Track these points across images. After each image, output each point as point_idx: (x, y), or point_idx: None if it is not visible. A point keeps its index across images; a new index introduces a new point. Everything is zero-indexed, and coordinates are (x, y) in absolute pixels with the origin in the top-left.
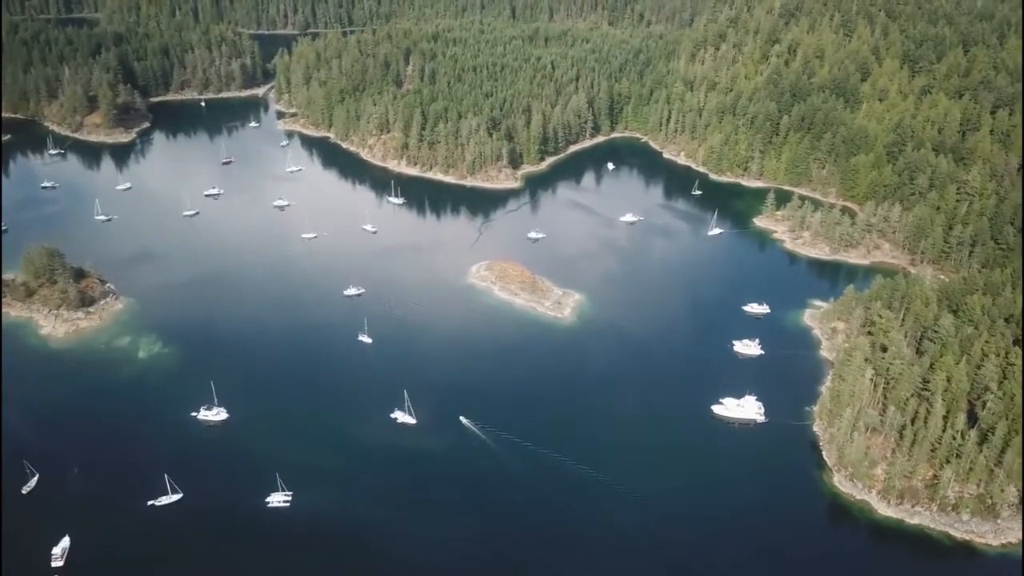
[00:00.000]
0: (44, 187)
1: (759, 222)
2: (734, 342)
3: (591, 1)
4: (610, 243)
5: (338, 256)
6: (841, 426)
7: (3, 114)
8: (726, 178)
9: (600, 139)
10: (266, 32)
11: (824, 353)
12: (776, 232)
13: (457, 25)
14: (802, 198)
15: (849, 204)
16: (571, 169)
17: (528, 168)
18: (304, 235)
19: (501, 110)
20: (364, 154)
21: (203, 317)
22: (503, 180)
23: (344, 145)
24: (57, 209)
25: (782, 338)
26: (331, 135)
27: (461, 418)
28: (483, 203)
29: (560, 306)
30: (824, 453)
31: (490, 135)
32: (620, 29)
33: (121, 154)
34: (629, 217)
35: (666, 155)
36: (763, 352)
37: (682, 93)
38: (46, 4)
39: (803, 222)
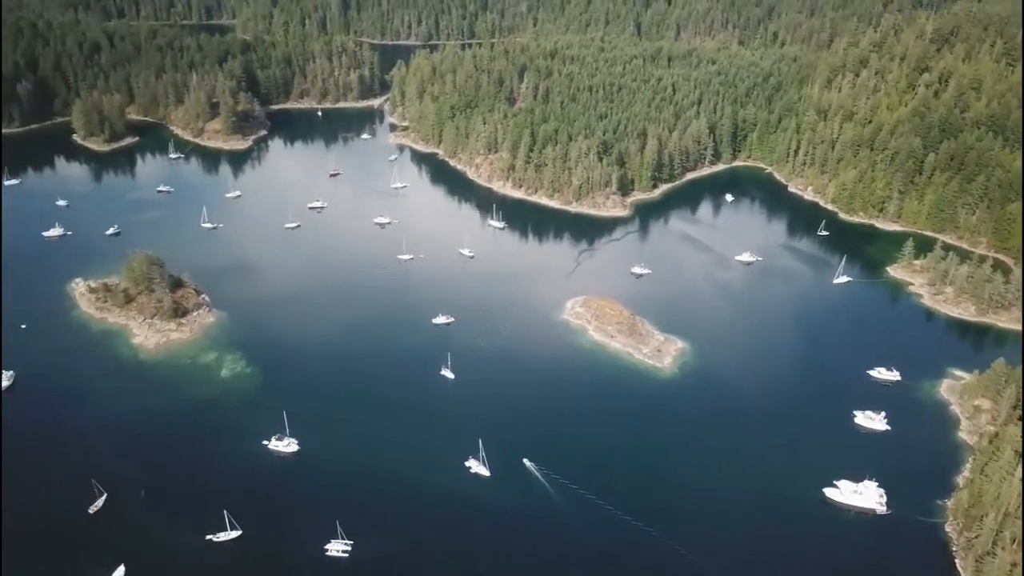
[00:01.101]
0: (160, 191)
1: (894, 272)
2: (856, 413)
3: (721, 18)
4: (722, 285)
5: (432, 281)
6: (981, 533)
7: (135, 117)
8: (858, 219)
9: (720, 167)
10: (390, 43)
11: (964, 436)
12: (913, 285)
13: (577, 42)
14: (946, 247)
15: (1003, 258)
16: (686, 198)
17: (639, 195)
18: (401, 256)
19: (614, 133)
20: (470, 173)
21: (288, 336)
22: (610, 207)
23: (451, 163)
24: (167, 214)
25: (913, 412)
26: (440, 151)
27: (525, 461)
28: (587, 231)
29: (660, 354)
30: (957, 562)
31: (600, 159)
32: (750, 49)
33: (236, 161)
34: (746, 256)
35: (792, 189)
36: (889, 428)
37: (814, 122)
38: (188, 10)
39: (946, 275)
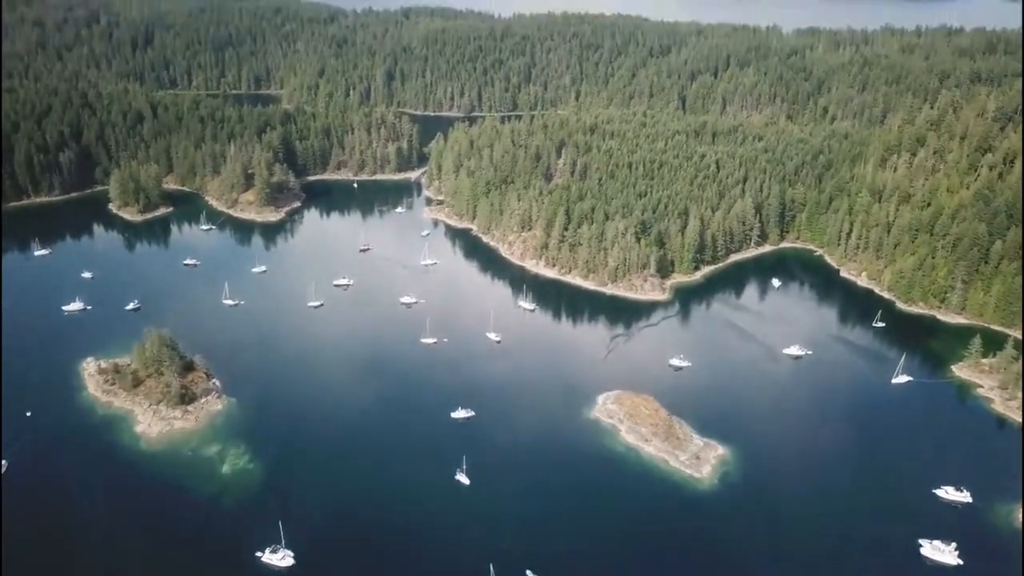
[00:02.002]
0: (186, 264)
1: (959, 371)
2: (922, 543)
3: (769, 92)
4: (769, 381)
5: (455, 368)
6: None
7: (172, 186)
8: (918, 309)
9: (766, 249)
10: (432, 114)
11: None
12: (982, 387)
13: (618, 116)
14: (1018, 345)
15: None
16: (729, 282)
17: (679, 278)
18: (424, 339)
19: (654, 212)
20: (503, 250)
21: (297, 427)
22: (648, 290)
23: (485, 239)
24: (190, 288)
25: (988, 544)
26: (473, 227)
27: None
28: (623, 315)
29: (699, 461)
30: None
31: (638, 239)
32: (799, 125)
33: (268, 233)
34: (794, 350)
35: (844, 274)
36: (961, 562)
37: (868, 204)
38: (238, 80)
39: (1019, 378)
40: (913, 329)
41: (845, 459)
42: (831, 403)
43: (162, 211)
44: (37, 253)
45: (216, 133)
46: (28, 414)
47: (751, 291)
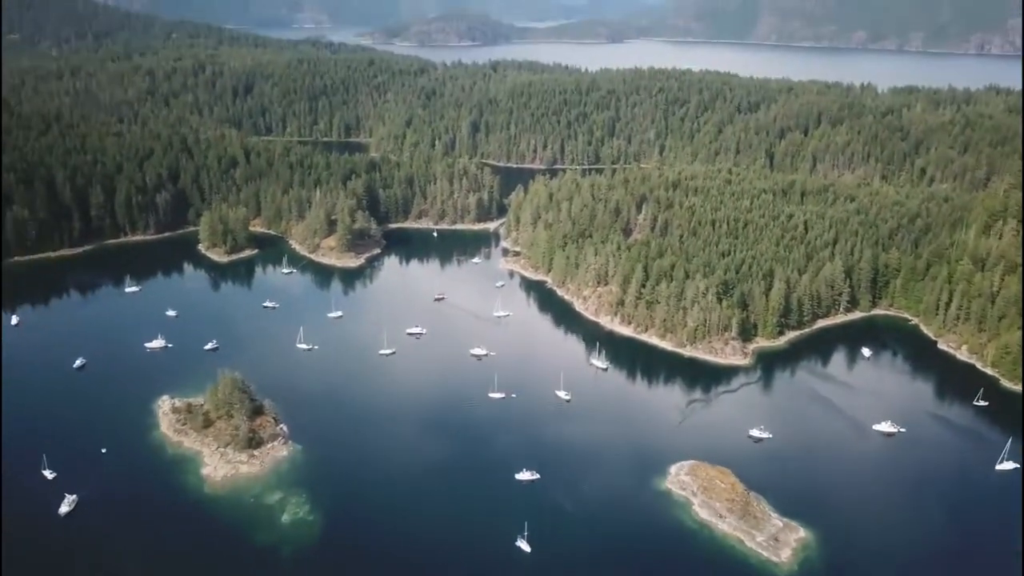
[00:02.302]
0: (265, 306)
1: None
2: None
3: (863, 151)
4: (857, 459)
5: (522, 426)
6: None
7: (259, 229)
8: None
9: (857, 315)
10: (515, 166)
11: None
12: None
13: (702, 173)
14: None
15: None
16: (816, 349)
17: (762, 343)
18: (492, 394)
19: (737, 272)
20: (578, 305)
21: (359, 479)
22: (729, 354)
23: (559, 292)
24: (267, 331)
25: None
26: (548, 280)
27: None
28: (700, 378)
29: (777, 544)
30: None
31: (719, 301)
32: (894, 186)
33: (346, 279)
34: (886, 426)
35: (942, 346)
36: None
37: (970, 272)
38: (330, 128)
39: None
40: (1020, 410)
41: (940, 552)
42: (926, 488)
43: (247, 253)
44: (128, 289)
45: (304, 179)
46: (103, 451)
47: (839, 360)
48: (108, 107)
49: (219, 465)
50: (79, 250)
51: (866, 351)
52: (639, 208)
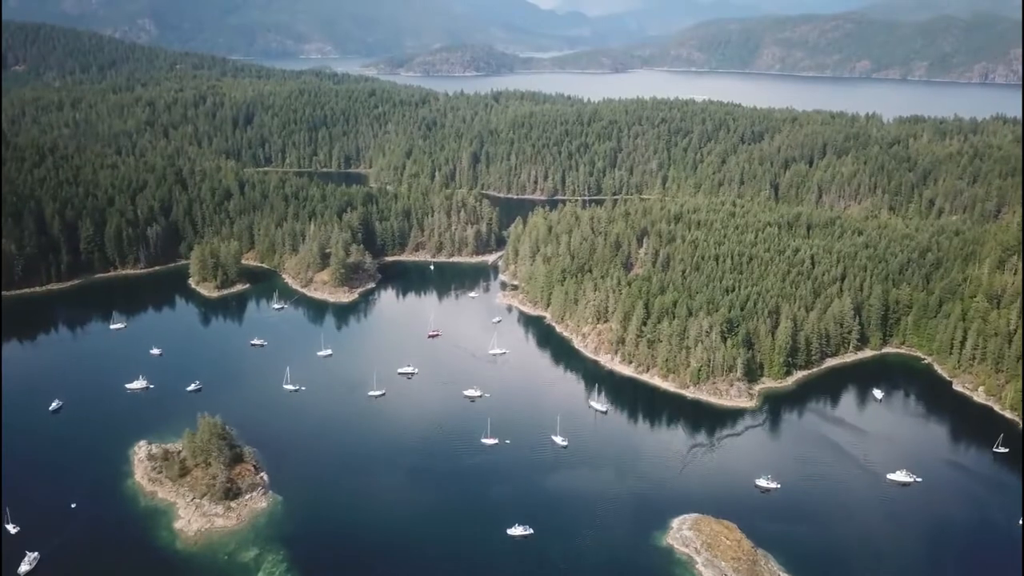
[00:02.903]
0: (253, 344)
1: None
2: None
3: (869, 183)
4: (871, 512)
5: (515, 475)
6: None
7: (252, 263)
8: None
9: (867, 354)
10: (515, 196)
11: None
12: None
13: (705, 205)
14: None
15: None
16: (824, 390)
17: (768, 383)
18: (485, 440)
19: (742, 310)
20: (576, 342)
21: (341, 535)
22: (733, 396)
23: (558, 329)
24: (254, 370)
25: None
26: (547, 315)
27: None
28: (704, 422)
29: None
30: None
31: (724, 340)
32: (903, 218)
33: (339, 314)
34: (901, 475)
35: (957, 387)
36: None
37: (985, 310)
38: (329, 158)
39: None
40: None
41: None
42: (946, 544)
43: (238, 288)
44: (113, 326)
45: (298, 212)
46: (73, 506)
47: (849, 402)
48: (107, 138)
49: (193, 518)
50: (67, 284)
51: (878, 393)
52: (640, 242)
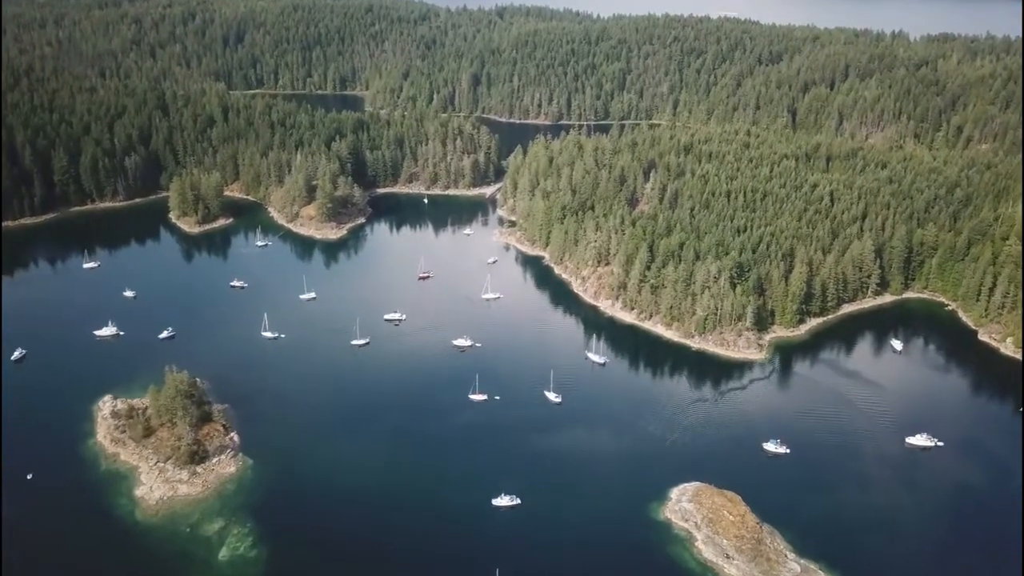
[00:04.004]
0: (232, 285)
1: None
2: None
3: (894, 108)
4: (889, 481)
5: (503, 437)
6: None
7: (237, 195)
8: None
9: (887, 299)
10: (517, 121)
11: None
12: None
13: (718, 135)
14: None
15: None
16: (840, 340)
17: (779, 332)
18: (473, 396)
19: (753, 253)
20: (575, 285)
21: (313, 505)
22: (741, 347)
23: (556, 270)
24: (231, 315)
25: None
26: (545, 256)
27: None
28: (709, 375)
29: None
30: None
31: (733, 287)
32: (930, 149)
33: (325, 252)
34: (921, 439)
35: (983, 337)
36: None
37: (1017, 254)
38: (324, 80)
39: None
40: None
41: None
42: (971, 517)
43: (221, 223)
44: (86, 266)
45: (285, 140)
46: (29, 476)
47: (866, 353)
48: (90, 58)
49: (156, 484)
50: (41, 219)
51: (896, 344)
52: (647, 176)
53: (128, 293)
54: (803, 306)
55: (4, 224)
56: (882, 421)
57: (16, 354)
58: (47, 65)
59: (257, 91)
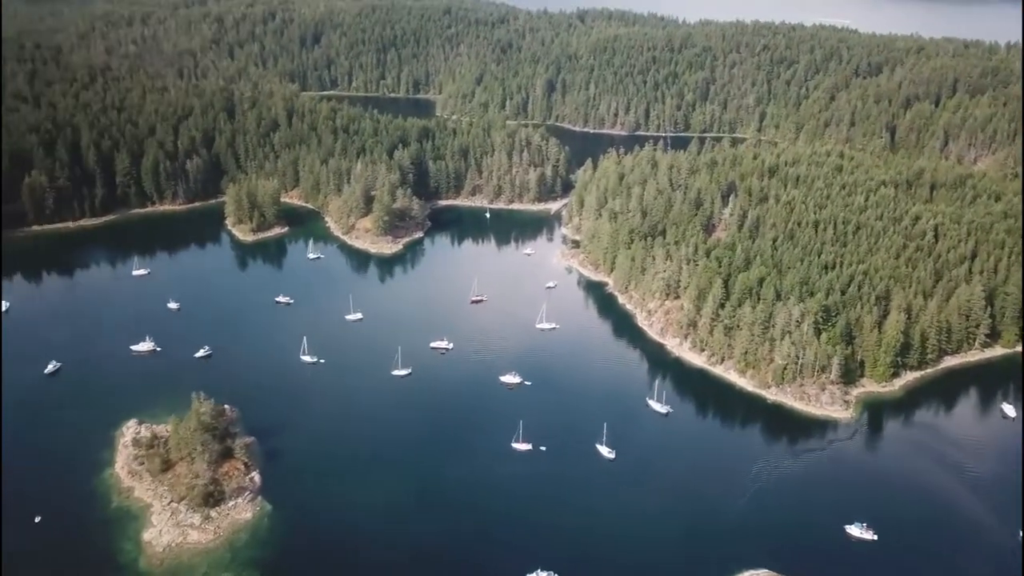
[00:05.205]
0: (278, 301)
1: None
2: None
3: (1008, 129)
4: None
5: (545, 496)
6: None
7: (296, 201)
8: None
9: (997, 352)
10: (591, 131)
11: None
12: None
13: (807, 156)
14: None
15: None
16: (940, 400)
17: (869, 387)
18: (517, 444)
19: (843, 295)
20: (640, 319)
21: (327, 559)
22: (824, 402)
23: (620, 300)
24: (271, 335)
25: None
26: (609, 282)
27: None
28: (785, 433)
29: None
30: None
31: (817, 333)
32: None
33: (378, 268)
34: None
35: None
36: None
37: None
38: (398, 83)
39: None
40: None
41: None
42: None
43: (276, 231)
44: (135, 273)
45: (346, 147)
46: (37, 520)
47: (971, 417)
48: (171, 57)
49: (166, 528)
50: (100, 220)
51: (1009, 409)
52: (725, 200)
53: (172, 305)
54: (898, 358)
55: (64, 225)
56: (992, 504)
57: (50, 367)
58: (123, 64)
59: (330, 93)
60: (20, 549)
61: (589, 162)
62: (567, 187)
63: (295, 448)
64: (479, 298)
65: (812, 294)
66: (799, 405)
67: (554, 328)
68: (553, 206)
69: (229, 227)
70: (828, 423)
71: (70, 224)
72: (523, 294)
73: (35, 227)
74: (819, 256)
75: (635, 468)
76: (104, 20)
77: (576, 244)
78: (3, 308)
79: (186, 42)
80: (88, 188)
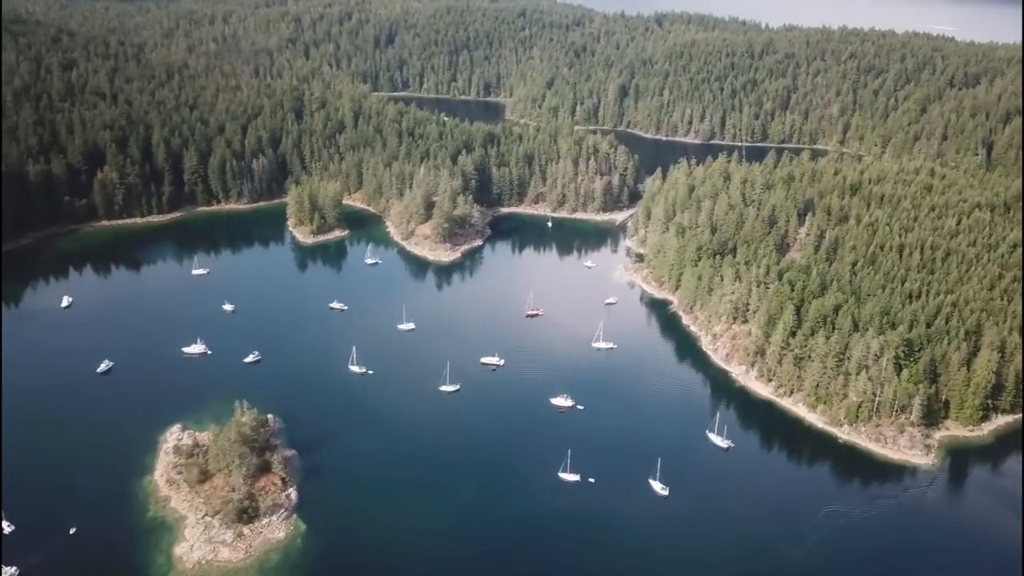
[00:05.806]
0: (332, 308)
1: None
2: None
3: None
4: None
5: (593, 533)
6: None
7: (359, 204)
8: None
9: None
10: (664, 138)
11: None
12: None
13: (893, 174)
14: None
15: None
16: None
17: (954, 431)
18: (564, 475)
19: (928, 327)
20: (705, 342)
21: None
22: (903, 445)
23: (684, 320)
24: (322, 342)
25: None
26: (674, 300)
27: None
28: (856, 474)
29: None
30: None
31: (898, 370)
32: None
33: (435, 276)
34: None
35: None
36: None
37: None
38: (468, 86)
39: None
40: None
41: None
42: None
43: (336, 234)
44: (194, 272)
45: (411, 151)
46: (72, 531)
47: None
48: (248, 55)
49: (198, 543)
50: (167, 217)
51: None
52: (802, 219)
53: (227, 307)
54: (989, 400)
55: (132, 221)
56: None
57: (103, 366)
58: (201, 62)
59: (401, 94)
60: (54, 561)
61: (659, 172)
62: (634, 197)
63: (334, 465)
64: (535, 312)
65: (894, 326)
66: (874, 447)
67: (611, 348)
68: (618, 217)
69: (290, 228)
70: (906, 468)
71: (138, 220)
72: (581, 309)
73: (104, 222)
74: (903, 284)
75: (690, 508)
76: (188, 18)
77: (640, 258)
78: (64, 303)
79: (264, 41)
80: (156, 185)
